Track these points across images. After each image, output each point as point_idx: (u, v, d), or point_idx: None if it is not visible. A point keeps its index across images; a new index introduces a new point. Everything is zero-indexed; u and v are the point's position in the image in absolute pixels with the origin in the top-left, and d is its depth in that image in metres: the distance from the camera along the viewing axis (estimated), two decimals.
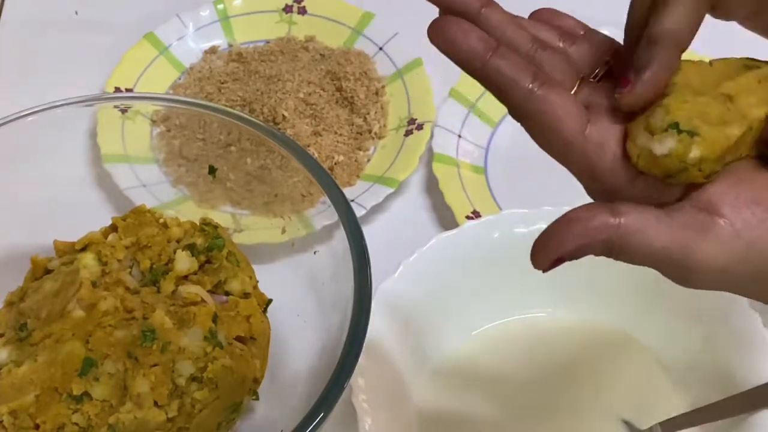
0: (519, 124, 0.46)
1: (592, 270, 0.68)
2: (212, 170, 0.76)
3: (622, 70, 0.44)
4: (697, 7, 0.46)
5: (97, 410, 0.61)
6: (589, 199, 0.53)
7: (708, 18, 0.50)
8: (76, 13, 0.95)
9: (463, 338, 0.69)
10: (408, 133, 0.82)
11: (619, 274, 0.68)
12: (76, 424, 0.61)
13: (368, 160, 0.83)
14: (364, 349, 0.58)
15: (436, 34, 0.45)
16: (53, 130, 0.71)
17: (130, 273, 0.66)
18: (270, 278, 0.70)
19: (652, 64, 0.43)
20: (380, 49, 0.88)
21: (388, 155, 0.82)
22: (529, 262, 0.70)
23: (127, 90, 0.85)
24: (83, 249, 0.67)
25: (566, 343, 0.69)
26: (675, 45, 0.45)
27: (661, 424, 0.63)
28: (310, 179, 0.65)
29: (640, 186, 0.43)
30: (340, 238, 0.62)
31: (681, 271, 0.43)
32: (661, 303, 0.67)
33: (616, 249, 0.43)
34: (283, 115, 0.81)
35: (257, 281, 0.70)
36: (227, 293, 0.68)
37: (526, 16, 0.48)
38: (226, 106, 0.80)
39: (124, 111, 0.76)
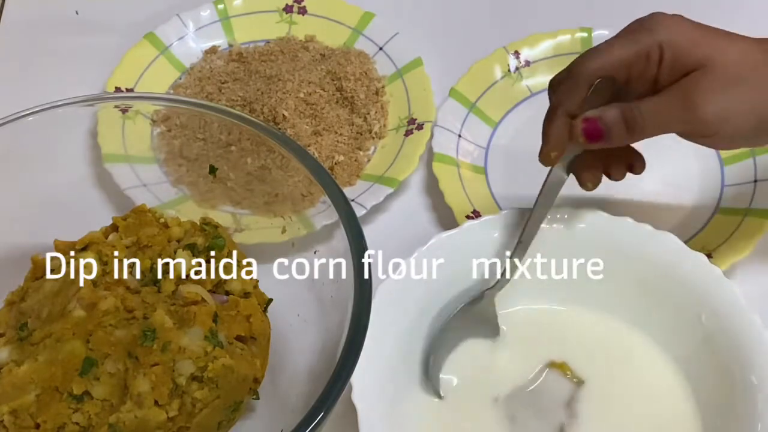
0: None
1: (592, 270, 0.68)
2: (212, 170, 0.76)
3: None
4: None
5: (97, 409, 0.61)
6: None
7: None
8: (77, 12, 0.95)
9: (463, 337, 0.69)
10: (408, 132, 0.82)
11: (620, 274, 0.68)
12: (77, 423, 0.61)
13: (368, 160, 0.83)
14: (364, 349, 0.58)
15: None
16: (53, 130, 0.71)
17: (130, 272, 0.66)
18: (270, 278, 0.70)
19: None
20: (380, 49, 0.88)
21: (388, 155, 0.82)
22: (529, 262, 0.70)
23: (128, 90, 0.85)
24: (84, 248, 0.67)
25: (565, 343, 0.69)
26: None
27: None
28: (310, 179, 0.66)
29: None
30: (340, 238, 0.62)
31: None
32: (661, 303, 0.67)
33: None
34: (284, 115, 0.81)
35: (257, 281, 0.70)
36: (227, 293, 0.68)
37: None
38: (227, 105, 0.80)
39: (124, 111, 0.76)
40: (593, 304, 0.69)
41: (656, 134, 0.62)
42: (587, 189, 0.65)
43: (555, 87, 0.65)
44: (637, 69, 0.62)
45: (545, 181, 0.65)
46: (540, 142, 0.84)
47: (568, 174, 0.66)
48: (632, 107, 0.61)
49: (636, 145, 0.83)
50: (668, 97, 0.61)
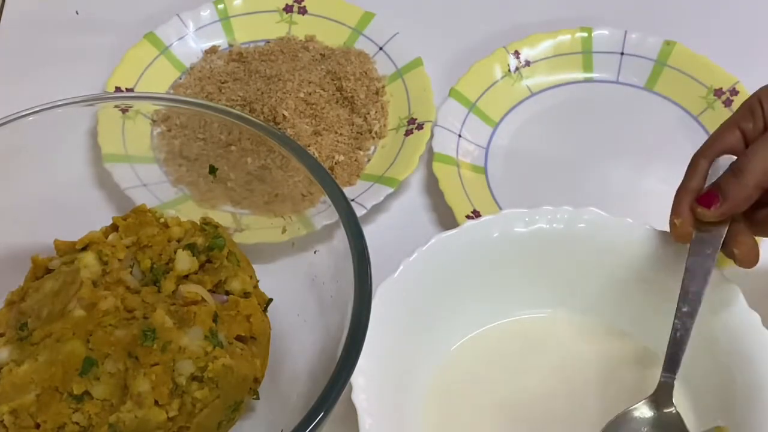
0: None
1: (592, 271, 0.68)
2: (213, 170, 0.76)
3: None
4: None
5: (97, 409, 0.61)
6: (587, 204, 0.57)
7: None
8: (77, 12, 0.95)
9: (463, 338, 0.69)
10: (408, 132, 0.82)
11: (619, 276, 0.68)
12: (77, 423, 0.61)
13: (368, 160, 0.83)
14: (364, 349, 0.58)
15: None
16: (53, 130, 0.71)
17: (130, 272, 0.66)
18: (270, 278, 0.70)
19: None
20: (380, 48, 0.88)
21: (388, 155, 0.82)
22: (529, 262, 0.70)
23: (128, 90, 0.85)
24: (84, 248, 0.67)
25: (566, 344, 0.69)
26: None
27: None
28: (310, 179, 0.66)
29: None
30: (341, 238, 0.62)
31: None
32: (661, 304, 0.67)
33: None
34: (284, 115, 0.81)
35: (258, 281, 0.70)
36: (228, 293, 0.68)
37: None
38: (227, 105, 0.80)
39: (124, 111, 0.76)
40: (591, 305, 0.69)
41: (759, 172, 0.62)
42: (741, 263, 0.64)
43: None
44: (747, 128, 0.64)
45: (685, 279, 0.63)
46: (540, 142, 0.85)
47: (714, 261, 0.63)
48: (739, 157, 0.63)
49: (635, 145, 0.83)
50: None
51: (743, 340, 0.64)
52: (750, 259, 0.64)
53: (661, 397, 0.62)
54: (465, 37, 0.92)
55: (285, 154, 0.67)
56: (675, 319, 0.62)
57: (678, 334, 0.62)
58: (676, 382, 0.66)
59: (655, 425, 0.62)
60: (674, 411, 0.62)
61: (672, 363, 0.62)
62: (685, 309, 0.62)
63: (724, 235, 0.64)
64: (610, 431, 0.62)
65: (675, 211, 0.64)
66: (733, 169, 0.62)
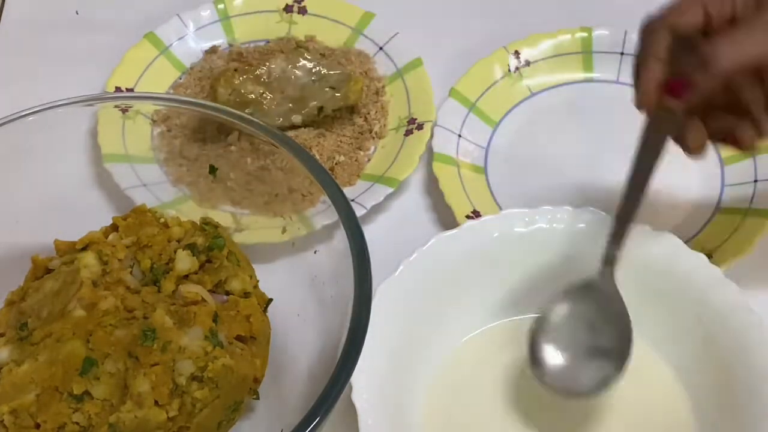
0: None
1: (591, 271, 0.68)
2: (213, 170, 0.76)
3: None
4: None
5: (97, 409, 0.61)
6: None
7: None
8: (77, 12, 0.96)
9: (463, 338, 0.69)
10: (408, 132, 0.82)
11: (619, 275, 0.68)
12: (77, 423, 0.61)
13: (368, 160, 0.83)
14: (364, 349, 0.58)
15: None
16: (53, 130, 0.71)
17: (130, 272, 0.66)
18: (270, 278, 0.70)
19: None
20: (380, 49, 0.88)
21: (388, 155, 0.82)
22: (529, 262, 0.70)
23: (128, 90, 0.85)
24: (84, 248, 0.67)
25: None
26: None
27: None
28: (310, 179, 0.66)
29: None
30: (341, 238, 0.62)
31: None
32: (661, 303, 0.67)
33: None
34: None
35: (257, 281, 0.70)
36: (228, 293, 0.68)
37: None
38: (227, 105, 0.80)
39: (124, 111, 0.76)
40: None
41: (734, 61, 0.58)
42: (692, 153, 0.64)
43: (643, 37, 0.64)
44: (713, 11, 0.60)
45: (641, 145, 0.64)
46: (540, 142, 0.85)
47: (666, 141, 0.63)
48: (705, 42, 0.59)
49: (635, 145, 0.83)
50: (746, 22, 0.59)
51: (743, 339, 0.64)
52: (701, 148, 0.64)
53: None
54: (465, 37, 0.92)
55: (285, 155, 0.67)
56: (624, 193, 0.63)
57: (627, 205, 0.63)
58: (676, 382, 0.66)
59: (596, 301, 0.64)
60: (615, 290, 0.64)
61: (615, 238, 0.64)
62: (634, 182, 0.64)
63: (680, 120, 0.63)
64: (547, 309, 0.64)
65: (644, 89, 0.62)
66: (705, 57, 0.58)
